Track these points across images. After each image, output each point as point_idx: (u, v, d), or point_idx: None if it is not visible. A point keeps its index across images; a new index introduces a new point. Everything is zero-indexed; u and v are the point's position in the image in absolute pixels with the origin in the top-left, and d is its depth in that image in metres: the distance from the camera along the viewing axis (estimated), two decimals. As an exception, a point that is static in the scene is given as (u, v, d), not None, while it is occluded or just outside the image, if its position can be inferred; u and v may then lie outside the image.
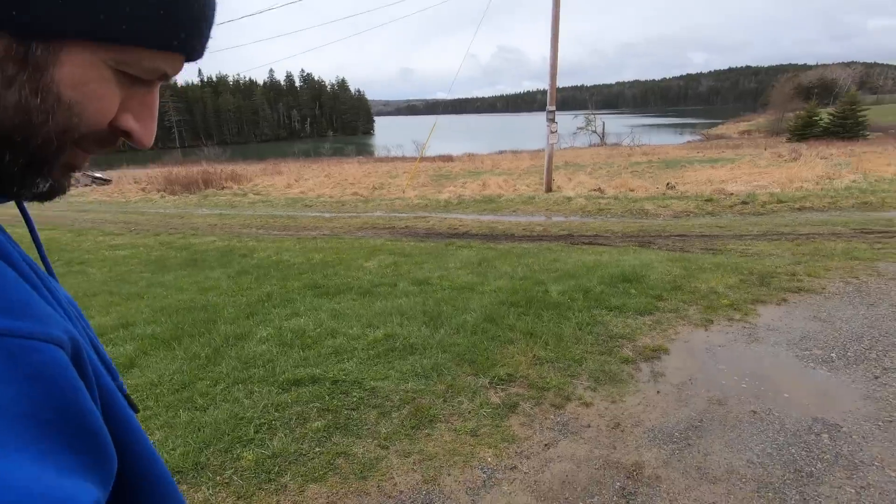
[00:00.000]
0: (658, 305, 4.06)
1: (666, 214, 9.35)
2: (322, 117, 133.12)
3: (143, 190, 18.51)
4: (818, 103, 36.59)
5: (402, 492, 2.16)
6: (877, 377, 2.92)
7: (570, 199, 11.58)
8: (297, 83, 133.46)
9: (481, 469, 2.29)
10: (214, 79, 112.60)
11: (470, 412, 2.71)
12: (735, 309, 3.94)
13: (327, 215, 11.60)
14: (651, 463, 2.29)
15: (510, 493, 2.14)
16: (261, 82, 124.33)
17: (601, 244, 7.03)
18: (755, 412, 2.64)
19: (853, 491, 2.07)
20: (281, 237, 8.94)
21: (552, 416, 2.67)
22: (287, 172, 22.51)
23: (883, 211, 8.16)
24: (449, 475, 2.25)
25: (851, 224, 7.20)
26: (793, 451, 2.33)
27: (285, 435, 2.53)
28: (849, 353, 3.19)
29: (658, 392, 2.87)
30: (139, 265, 6.96)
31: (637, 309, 3.98)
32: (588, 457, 2.35)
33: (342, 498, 2.14)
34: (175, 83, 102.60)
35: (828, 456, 2.28)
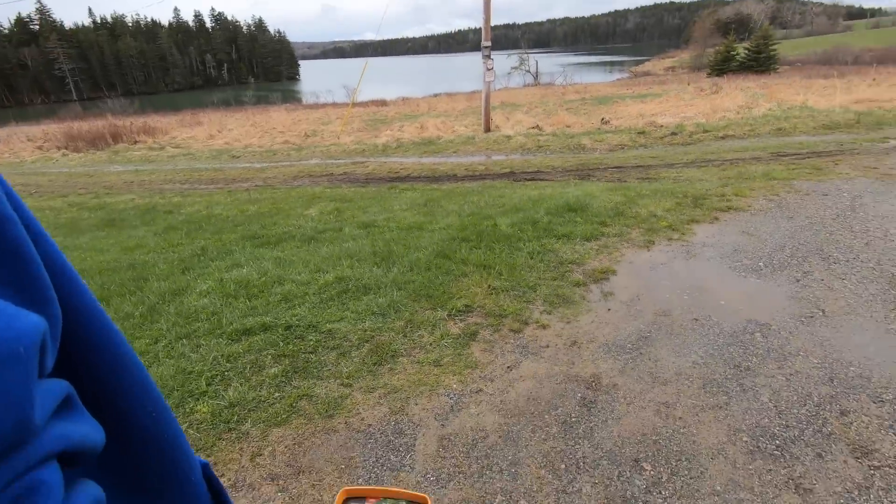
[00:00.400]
0: (603, 231, 4.18)
1: (602, 148, 9.56)
2: (240, 62, 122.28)
3: (39, 149, 16.44)
4: (735, 38, 38.10)
5: (370, 425, 2.14)
6: (798, 280, 3.19)
7: (509, 137, 11.54)
8: (209, 24, 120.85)
9: (447, 395, 2.30)
10: (109, 19, 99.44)
11: (431, 344, 2.70)
12: (673, 230, 4.14)
13: (258, 166, 10.90)
14: (608, 373, 2.40)
15: (478, 415, 2.18)
16: (165, 23, 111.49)
17: (543, 179, 7.10)
18: (696, 319, 2.82)
19: (784, 378, 2.29)
20: (209, 191, 8.32)
21: (512, 341, 2.72)
22: (208, 123, 20.73)
23: (795, 136, 8.78)
24: (416, 405, 2.25)
25: (769, 149, 7.71)
26: (731, 350, 2.52)
27: (241, 384, 2.42)
28: (774, 262, 3.46)
29: (609, 310, 2.99)
30: (48, 229, 6.16)
31: (584, 235, 4.08)
32: (549, 374, 2.43)
33: (308, 438, 2.09)
34: (61, 24, 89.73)
35: (761, 351, 2.50)
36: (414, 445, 2.02)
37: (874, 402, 2.09)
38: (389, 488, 0.66)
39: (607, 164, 7.82)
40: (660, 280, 3.32)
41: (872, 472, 1.76)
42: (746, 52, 33.83)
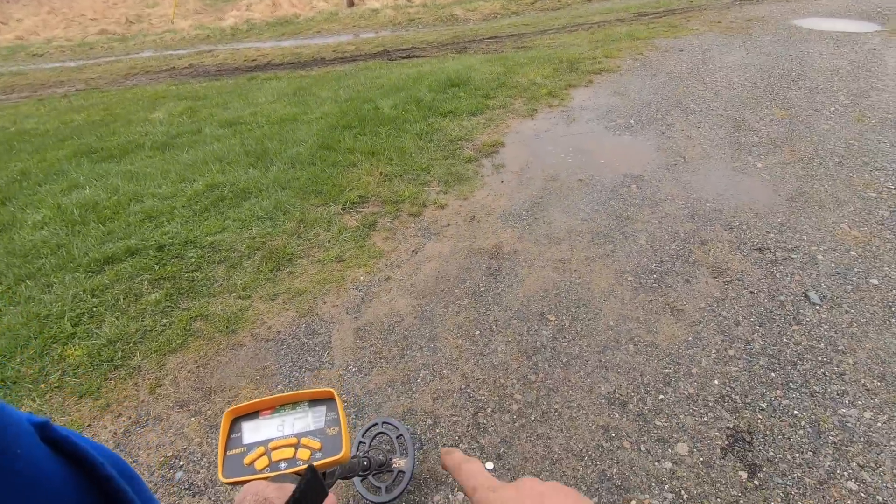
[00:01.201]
0: (488, 104, 4.11)
1: (475, 18, 9.13)
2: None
3: None
4: None
5: (279, 332, 2.04)
6: (663, 132, 3.47)
7: (376, 11, 10.49)
8: None
9: (356, 288, 2.25)
10: None
11: (330, 241, 2.56)
12: (553, 96, 4.19)
13: (73, 65, 8.83)
14: (508, 241, 2.49)
15: (389, 301, 2.17)
16: None
17: (419, 56, 6.67)
18: (581, 180, 2.98)
19: (656, 221, 2.55)
20: (12, 102, 6.66)
21: (413, 225, 2.67)
22: (-17, 12, 15.94)
23: (652, -5, 9.08)
24: (325, 303, 2.17)
25: (631, 9, 7.91)
26: (612, 203, 2.73)
27: (117, 318, 2.12)
28: (642, 118, 3.70)
29: (502, 182, 3.03)
30: None
31: (469, 110, 3.98)
32: (453, 251, 2.45)
33: (213, 357, 1.94)
34: None
35: (637, 201, 2.74)
36: (329, 342, 1.98)
37: (726, 230, 2.44)
38: (284, 394, 0.55)
39: (482, 35, 7.52)
40: (545, 147, 3.41)
41: (726, 286, 2.10)
42: None
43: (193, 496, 1.48)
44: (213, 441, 1.62)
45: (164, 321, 2.11)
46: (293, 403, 0.56)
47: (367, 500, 1.41)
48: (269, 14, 11.55)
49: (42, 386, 1.84)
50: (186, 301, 2.21)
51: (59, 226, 2.80)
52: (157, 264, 2.43)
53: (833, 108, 3.57)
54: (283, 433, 0.53)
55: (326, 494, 0.40)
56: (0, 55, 10.51)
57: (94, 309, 2.18)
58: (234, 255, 2.48)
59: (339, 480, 1.09)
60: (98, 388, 1.83)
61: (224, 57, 8.15)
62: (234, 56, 8.14)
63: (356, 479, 1.45)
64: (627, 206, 2.70)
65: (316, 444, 0.51)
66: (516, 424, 1.60)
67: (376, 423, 1.60)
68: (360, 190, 2.96)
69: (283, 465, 0.50)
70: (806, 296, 2.00)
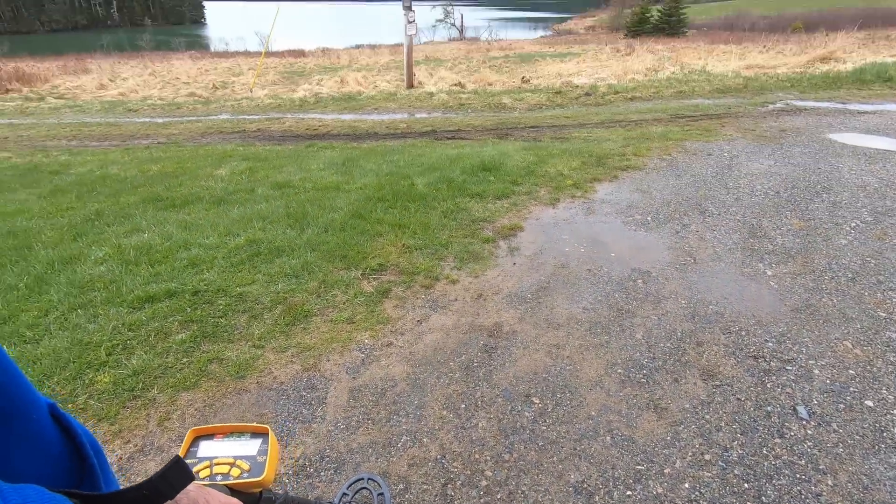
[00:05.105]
0: (514, 189, 4.39)
1: (521, 107, 9.78)
2: (134, 1, 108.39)
3: None
4: (650, 0, 39.56)
5: (282, 383, 2.21)
6: (677, 232, 3.59)
7: (431, 94, 11.43)
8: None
9: (359, 350, 2.41)
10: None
11: (344, 303, 2.78)
12: (577, 187, 4.43)
13: (160, 121, 10.00)
14: (508, 322, 2.62)
15: (387, 366, 2.31)
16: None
17: (463, 138, 7.20)
18: (590, 270, 3.11)
19: (656, 318, 2.62)
20: (103, 149, 7.57)
21: (423, 296, 2.86)
22: (97, 70, 18.45)
23: (693, 98, 9.49)
24: (328, 360, 2.34)
25: (669, 111, 8.30)
26: (616, 296, 2.84)
27: (145, 352, 2.37)
28: (660, 216, 3.85)
29: (514, 264, 3.21)
30: None
31: (496, 194, 4.26)
32: (455, 325, 2.60)
33: (219, 399, 2.12)
34: None
35: (640, 295, 2.83)
36: (325, 398, 2.12)
37: (724, 334, 2.48)
38: (234, 425, 0.73)
39: (525, 124, 8.04)
40: (562, 235, 3.59)
41: (714, 390, 2.12)
42: (659, 14, 35.32)
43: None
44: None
45: (185, 360, 2.33)
46: (239, 433, 0.73)
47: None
48: (336, 90, 12.79)
49: (70, 406, 2.07)
50: (207, 344, 2.44)
51: (116, 264, 3.17)
52: (189, 307, 2.70)
53: (854, 224, 3.61)
54: (225, 454, 0.69)
55: (191, 479, 0.54)
56: (103, 107, 12.04)
57: (128, 342, 2.44)
58: (257, 307, 2.72)
59: None
60: (116, 415, 2.04)
61: (289, 124, 9.03)
62: (298, 124, 9.01)
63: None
64: (630, 299, 2.79)
65: (246, 466, 0.68)
66: (482, 501, 1.66)
67: (361, 479, 1.70)
68: (382, 258, 3.21)
69: (218, 477, 0.66)
70: (794, 409, 2.00)
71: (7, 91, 13.96)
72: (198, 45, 44.25)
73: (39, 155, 7.04)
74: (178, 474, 0.48)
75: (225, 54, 28.80)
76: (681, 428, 1.93)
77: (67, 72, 18.07)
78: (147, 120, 10.18)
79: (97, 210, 4.28)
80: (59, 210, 4.37)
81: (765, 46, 18.34)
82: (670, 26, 33.67)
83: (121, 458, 1.85)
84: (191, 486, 0.57)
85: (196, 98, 12.57)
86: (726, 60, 14.50)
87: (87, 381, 2.19)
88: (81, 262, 3.24)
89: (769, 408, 2.01)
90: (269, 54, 20.24)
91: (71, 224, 3.95)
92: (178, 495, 0.49)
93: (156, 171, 5.78)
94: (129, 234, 3.66)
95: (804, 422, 1.94)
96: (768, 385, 2.14)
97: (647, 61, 14.83)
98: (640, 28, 34.22)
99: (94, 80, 15.81)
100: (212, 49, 37.05)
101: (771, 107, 8.01)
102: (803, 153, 5.31)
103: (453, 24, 41.97)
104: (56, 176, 5.75)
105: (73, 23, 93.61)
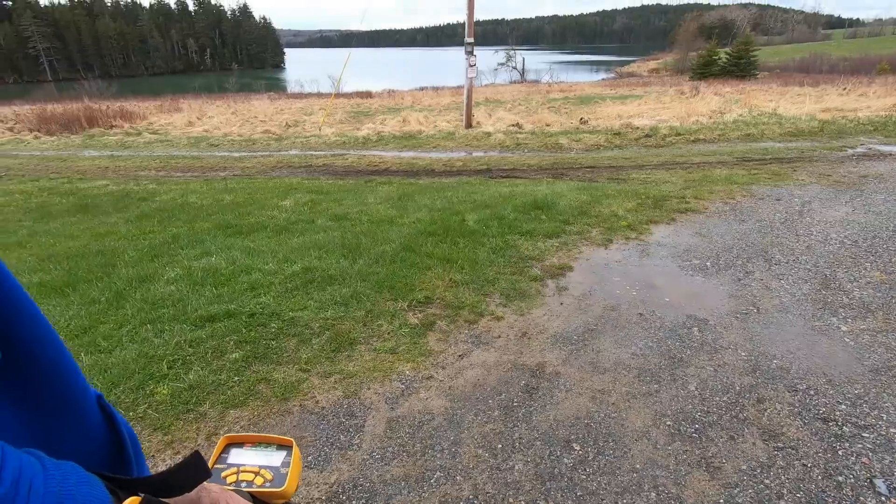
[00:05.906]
0: (565, 229, 4.35)
1: (578, 148, 9.76)
2: (224, 48, 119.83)
3: (10, 130, 16.00)
4: (718, 43, 38.83)
5: (324, 408, 2.26)
6: (739, 279, 3.39)
7: (489, 134, 11.67)
8: (192, 7, 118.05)
9: (400, 381, 2.43)
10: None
11: (389, 333, 2.83)
12: (632, 229, 4.32)
13: (236, 155, 10.84)
14: (552, 362, 2.56)
15: (426, 399, 2.31)
16: (147, 4, 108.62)
17: (517, 177, 7.26)
18: (642, 314, 3.00)
19: (712, 369, 2.47)
20: (185, 179, 8.28)
21: (466, 331, 2.86)
22: (188, 109, 20.42)
23: (762, 142, 9.09)
24: (369, 389, 2.38)
25: (735, 154, 7.98)
26: (669, 343, 2.70)
27: (201, 368, 2.51)
28: (720, 262, 3.67)
29: (561, 304, 3.15)
30: (17, 213, 6.18)
31: (546, 233, 4.24)
32: (497, 362, 2.57)
33: (264, 419, 2.20)
34: (36, 2, 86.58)
35: (695, 344, 2.68)
36: (363, 426, 2.15)
37: (789, 392, 2.29)
38: (264, 435, 0.77)
39: (581, 164, 8.00)
40: (613, 277, 3.49)
41: (776, 452, 1.94)
42: (728, 56, 34.51)
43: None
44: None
45: (236, 378, 2.45)
46: (267, 444, 0.77)
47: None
48: (398, 129, 13.37)
49: (130, 414, 2.22)
50: (258, 364, 2.55)
51: (185, 284, 3.42)
52: (245, 328, 2.85)
53: (947, 280, 3.26)
54: (251, 462, 0.73)
55: (208, 474, 0.57)
56: (189, 142, 13.25)
57: (188, 357, 2.60)
58: (306, 332, 2.83)
59: None
60: (169, 426, 2.16)
61: (352, 160, 9.50)
62: (360, 160, 9.46)
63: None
64: (684, 348, 2.65)
65: (269, 475, 0.71)
66: (512, 548, 1.60)
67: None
68: (428, 291, 3.25)
69: (243, 484, 0.70)
70: (871, 482, 1.79)
71: (112, 126, 15.71)
72: (276, 86, 48.03)
73: (132, 183, 7.82)
74: (195, 467, 0.51)
75: (299, 95, 31.01)
76: (736, 491, 1.78)
77: (163, 110, 20.13)
78: (226, 154, 11.07)
79: (174, 234, 4.67)
80: (143, 233, 4.81)
81: (845, 88, 17.39)
82: (739, 69, 32.74)
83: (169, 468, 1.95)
84: (215, 488, 0.61)
85: (270, 135, 13.55)
86: (800, 103, 13.84)
87: (147, 392, 2.35)
88: (156, 280, 3.52)
89: (840, 478, 1.82)
90: (338, 95, 21.60)
91: (151, 246, 4.33)
92: (201, 494, 0.53)
93: (228, 200, 6.24)
94: (199, 258, 3.94)
95: (883, 498, 1.73)
96: (840, 452, 1.93)
97: (712, 103, 14.43)
98: (706, 70, 33.52)
99: (184, 117, 17.48)
100: (288, 90, 40.07)
101: (850, 151, 7.51)
102: (887, 201, 4.91)
103: (514, 68, 43.04)
104: (143, 202, 6.34)
105: (172, 68, 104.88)
